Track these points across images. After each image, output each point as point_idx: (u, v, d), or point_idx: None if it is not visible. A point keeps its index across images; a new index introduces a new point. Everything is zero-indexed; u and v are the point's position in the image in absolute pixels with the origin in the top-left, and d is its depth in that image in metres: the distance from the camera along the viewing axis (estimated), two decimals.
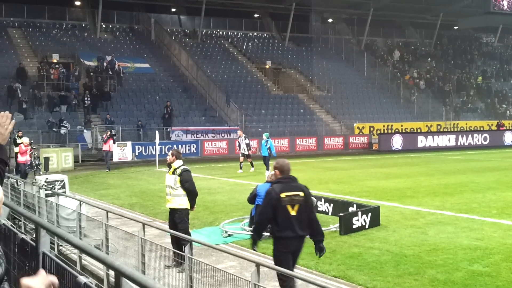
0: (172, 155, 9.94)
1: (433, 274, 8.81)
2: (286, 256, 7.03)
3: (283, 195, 6.97)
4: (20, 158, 21.89)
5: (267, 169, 22.98)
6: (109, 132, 27.24)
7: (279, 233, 7.02)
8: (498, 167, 25.70)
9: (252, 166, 25.11)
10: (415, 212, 14.20)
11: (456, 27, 60.24)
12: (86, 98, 35.62)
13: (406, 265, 9.30)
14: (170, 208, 9.97)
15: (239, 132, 27.36)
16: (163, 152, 28.86)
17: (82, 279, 5.41)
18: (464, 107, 50.34)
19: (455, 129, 44.69)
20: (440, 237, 11.30)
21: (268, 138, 24.47)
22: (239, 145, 25.73)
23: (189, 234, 9.57)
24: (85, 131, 32.36)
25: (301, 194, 7.08)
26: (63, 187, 12.95)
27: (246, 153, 25.00)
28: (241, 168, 25.04)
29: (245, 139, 25.55)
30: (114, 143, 27.49)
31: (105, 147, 26.96)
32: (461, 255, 9.81)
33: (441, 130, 44.15)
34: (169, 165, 9.98)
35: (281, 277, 6.84)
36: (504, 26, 59.50)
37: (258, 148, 30.17)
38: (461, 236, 11.25)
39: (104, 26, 45.68)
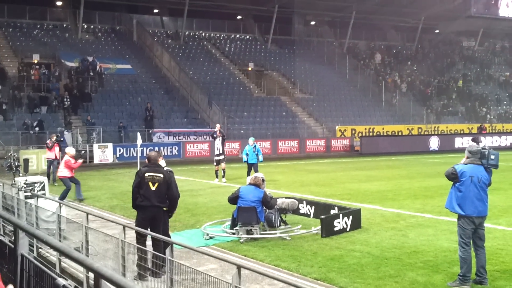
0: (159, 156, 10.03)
1: (413, 276, 8.87)
2: (144, 221, 9.30)
3: (147, 174, 9.35)
4: (61, 173, 17.51)
5: (249, 175, 21.05)
6: (54, 137, 22.95)
7: (140, 203, 9.38)
8: None
9: (217, 176, 22.55)
10: (396, 214, 14.28)
11: (437, 31, 60.77)
12: (66, 99, 35.33)
13: (387, 268, 9.34)
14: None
15: (218, 131, 22.96)
16: (145, 154, 28.63)
17: (61, 281, 5.36)
18: (445, 110, 50.75)
19: (436, 132, 45.01)
20: (420, 239, 11.37)
21: (255, 143, 21.80)
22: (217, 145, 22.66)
23: (169, 236, 9.57)
24: (65, 132, 32.05)
25: (161, 176, 9.35)
26: (43, 189, 12.84)
27: (221, 151, 22.27)
28: (217, 176, 22.57)
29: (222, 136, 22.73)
30: (60, 150, 22.56)
31: (50, 155, 22.50)
32: (441, 257, 9.89)
33: (422, 133, 44.44)
34: None
35: (137, 236, 9.00)
36: (484, 30, 60.15)
37: (240, 150, 28.76)
38: (441, 239, 11.33)
39: (85, 26, 45.31)
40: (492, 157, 8.60)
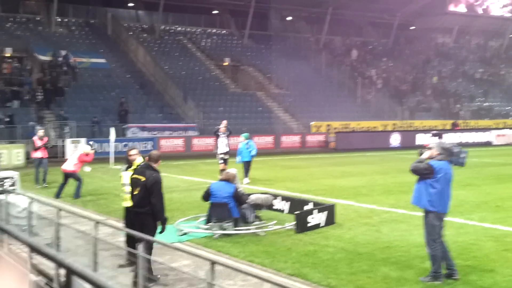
0: (138, 152, 9.86)
1: (386, 271, 8.92)
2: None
3: (133, 176, 8.85)
4: (69, 167, 17.07)
5: (246, 176, 20.02)
6: (41, 132, 20.38)
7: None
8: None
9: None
10: (369, 210, 14.37)
11: (413, 27, 61.24)
12: (39, 94, 34.82)
13: (360, 263, 9.39)
14: (127, 207, 9.80)
15: (223, 128, 20.95)
16: (118, 149, 28.45)
17: (32, 277, 5.26)
18: (419, 107, 51.16)
19: (411, 129, 45.35)
20: (393, 235, 11.46)
21: (248, 139, 20.37)
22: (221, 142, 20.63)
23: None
24: (37, 127, 31.56)
25: (143, 178, 8.63)
26: (14, 184, 12.67)
27: (228, 149, 20.48)
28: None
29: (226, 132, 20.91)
30: (47, 147, 20.06)
31: (37, 154, 19.68)
32: (414, 253, 9.97)
33: (397, 129, 44.70)
34: (129, 163, 9.80)
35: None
36: (459, 27, 60.77)
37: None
38: (414, 234, 11.40)
39: (59, 20, 44.70)
40: (463, 155, 8.67)
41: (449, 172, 8.56)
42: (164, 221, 8.82)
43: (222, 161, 20.46)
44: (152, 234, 8.61)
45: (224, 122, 21.10)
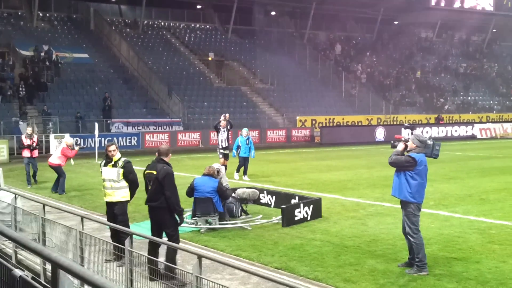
0: (116, 147, 9.82)
1: (372, 264, 8.96)
2: (151, 221, 8.85)
3: (146, 172, 8.83)
4: (55, 160, 16.92)
5: (245, 173, 19.57)
6: (29, 130, 19.00)
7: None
8: (434, 160, 26.31)
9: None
10: (355, 203, 14.42)
11: (396, 22, 61.50)
12: (21, 89, 34.49)
13: (347, 256, 9.41)
14: (108, 202, 9.77)
15: (223, 122, 19.77)
16: (103, 145, 28.25)
17: (18, 272, 5.19)
18: (403, 101, 51.45)
19: (395, 123, 45.58)
20: (379, 228, 11.51)
21: (248, 135, 19.92)
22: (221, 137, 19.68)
23: (128, 226, 9.41)
24: (20, 123, 31.28)
25: (154, 172, 8.59)
26: None
27: (227, 144, 19.57)
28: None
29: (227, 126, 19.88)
30: (36, 146, 18.86)
31: (25, 153, 18.39)
32: (400, 246, 10.00)
33: (381, 123, 44.92)
34: (109, 158, 9.74)
35: (149, 247, 8.38)
36: (442, 22, 61.14)
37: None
38: (400, 227, 11.33)
39: (41, 14, 44.27)
40: (437, 147, 8.77)
41: (426, 164, 8.69)
42: (180, 213, 8.72)
43: (222, 156, 19.55)
44: (173, 229, 8.62)
45: (227, 116, 20.21)
